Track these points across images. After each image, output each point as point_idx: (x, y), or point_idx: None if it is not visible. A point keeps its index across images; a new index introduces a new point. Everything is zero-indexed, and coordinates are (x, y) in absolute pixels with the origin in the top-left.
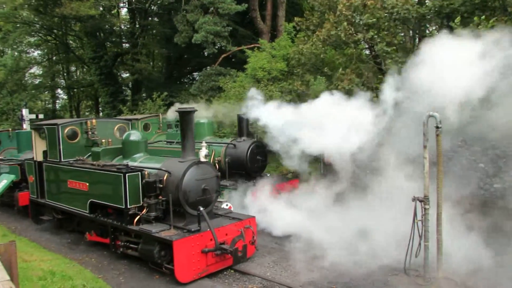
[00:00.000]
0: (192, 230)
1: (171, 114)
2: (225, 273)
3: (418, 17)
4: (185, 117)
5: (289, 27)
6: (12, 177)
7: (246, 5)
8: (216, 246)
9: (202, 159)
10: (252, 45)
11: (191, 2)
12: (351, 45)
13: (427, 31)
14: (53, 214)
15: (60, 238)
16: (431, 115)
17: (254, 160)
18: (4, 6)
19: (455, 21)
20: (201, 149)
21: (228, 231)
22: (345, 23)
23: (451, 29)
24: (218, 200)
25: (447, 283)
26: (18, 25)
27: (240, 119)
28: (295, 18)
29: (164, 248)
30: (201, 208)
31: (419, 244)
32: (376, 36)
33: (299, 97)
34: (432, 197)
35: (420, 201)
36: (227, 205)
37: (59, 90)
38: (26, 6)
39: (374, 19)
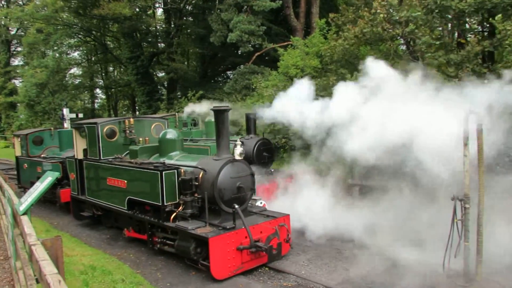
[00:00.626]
0: (227, 227)
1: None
2: (259, 270)
3: (457, 11)
4: (220, 115)
5: (321, 23)
6: (56, 174)
7: (281, 1)
8: (251, 243)
9: (237, 157)
10: (286, 43)
11: (225, 1)
12: (388, 40)
13: (467, 26)
14: (93, 211)
15: (100, 234)
16: (472, 112)
17: (261, 157)
18: (45, 8)
19: (496, 18)
20: (235, 146)
21: (263, 229)
22: (382, 16)
23: (491, 26)
24: (253, 198)
25: (488, 284)
26: (58, 27)
27: (248, 118)
28: (330, 14)
29: (200, 245)
30: (236, 206)
31: (458, 244)
32: (416, 30)
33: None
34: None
35: (460, 200)
36: (261, 203)
37: (97, 90)
38: (66, 8)
39: (414, 13)
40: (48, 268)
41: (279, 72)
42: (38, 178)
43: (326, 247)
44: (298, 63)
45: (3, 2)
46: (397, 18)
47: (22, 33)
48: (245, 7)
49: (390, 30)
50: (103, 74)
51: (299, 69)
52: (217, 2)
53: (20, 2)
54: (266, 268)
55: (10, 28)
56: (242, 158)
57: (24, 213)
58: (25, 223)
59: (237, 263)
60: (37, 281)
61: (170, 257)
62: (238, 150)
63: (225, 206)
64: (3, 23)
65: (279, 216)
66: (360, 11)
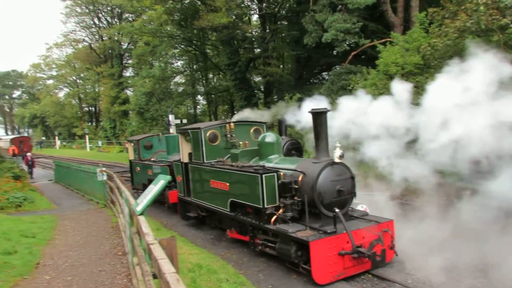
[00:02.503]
0: (328, 231)
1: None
2: (362, 277)
3: None
4: (318, 117)
5: (421, 16)
6: (168, 178)
7: None
8: (353, 249)
9: (337, 160)
10: (384, 40)
11: (319, 2)
12: (496, 31)
13: None
14: (197, 211)
15: (204, 234)
16: None
17: (289, 154)
18: (152, 23)
19: None
20: (335, 149)
21: (365, 234)
22: (482, 7)
23: None
24: (353, 201)
25: None
26: (163, 39)
27: (280, 121)
28: (429, 10)
29: (300, 248)
30: (337, 210)
31: None
32: None
33: None
34: None
35: None
36: (362, 207)
37: (199, 96)
38: (170, 21)
39: None
40: (167, 267)
41: (378, 70)
42: (149, 180)
43: (434, 256)
44: (398, 60)
45: (115, 20)
46: (508, 3)
47: (132, 47)
48: (340, 6)
49: (500, 18)
50: (204, 81)
51: (400, 67)
52: (311, 3)
53: (130, 18)
54: (369, 275)
55: (122, 43)
56: (341, 160)
57: (141, 214)
58: (142, 223)
59: (339, 269)
60: (154, 277)
61: (271, 259)
62: (338, 152)
63: (325, 209)
64: (116, 38)
65: (383, 221)
66: (463, 3)
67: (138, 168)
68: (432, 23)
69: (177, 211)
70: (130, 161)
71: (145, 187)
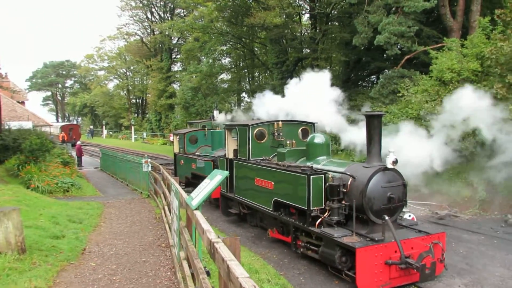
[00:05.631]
0: (376, 239)
1: None
2: None
3: None
4: (372, 121)
5: (484, 21)
6: (225, 173)
7: (436, 1)
8: (402, 259)
9: (389, 166)
10: (439, 45)
11: (373, 3)
12: None
13: None
14: (239, 208)
15: (245, 231)
16: None
17: None
18: (202, 19)
19: None
20: (388, 154)
21: (414, 245)
22: None
23: None
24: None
25: None
26: (212, 36)
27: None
28: (496, 11)
29: (345, 254)
30: (386, 217)
31: None
32: None
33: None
34: None
35: None
36: (409, 215)
37: (243, 94)
38: (220, 18)
39: None
40: (239, 270)
41: (432, 76)
42: (192, 174)
43: (487, 272)
44: (454, 66)
45: (168, 15)
46: None
47: (182, 42)
48: (393, 8)
49: None
50: (250, 79)
51: (455, 73)
52: (365, 4)
53: (182, 14)
54: None
55: (172, 38)
56: (394, 166)
57: (196, 208)
58: (200, 218)
59: (384, 278)
60: (207, 274)
61: (312, 262)
62: (391, 158)
63: (374, 216)
64: (167, 33)
65: (434, 232)
66: None
67: (182, 161)
68: (495, 29)
69: (219, 206)
70: (175, 154)
71: (188, 180)
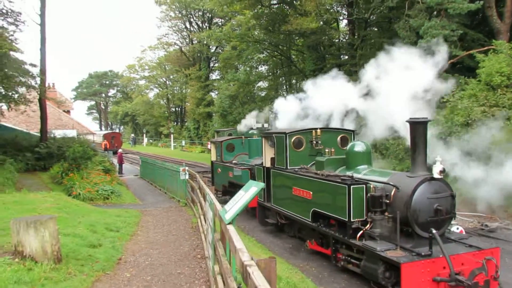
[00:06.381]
0: (422, 254)
1: None
2: None
3: None
4: (417, 128)
5: None
6: (261, 185)
7: (482, 2)
8: (452, 276)
9: (436, 176)
10: (485, 48)
11: (415, 7)
12: None
13: None
14: (277, 218)
15: (282, 242)
16: None
17: None
18: (240, 27)
19: None
20: (435, 163)
21: (465, 261)
22: None
23: None
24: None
25: None
26: (250, 44)
27: None
28: None
29: (389, 269)
30: (434, 231)
31: None
32: None
33: None
34: None
35: None
36: (457, 228)
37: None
38: (257, 26)
39: None
40: None
41: (479, 80)
42: (229, 182)
43: None
44: (503, 69)
45: (206, 24)
46: None
47: (220, 51)
48: (435, 11)
49: None
50: (287, 87)
51: (505, 76)
52: (406, 8)
53: (219, 23)
54: None
55: (210, 46)
56: (442, 176)
57: (230, 223)
58: (234, 235)
59: None
60: None
61: (353, 276)
62: (438, 167)
63: (420, 229)
64: (205, 42)
65: (486, 247)
66: None
67: (219, 170)
68: None
69: (256, 215)
70: (212, 162)
71: (225, 188)
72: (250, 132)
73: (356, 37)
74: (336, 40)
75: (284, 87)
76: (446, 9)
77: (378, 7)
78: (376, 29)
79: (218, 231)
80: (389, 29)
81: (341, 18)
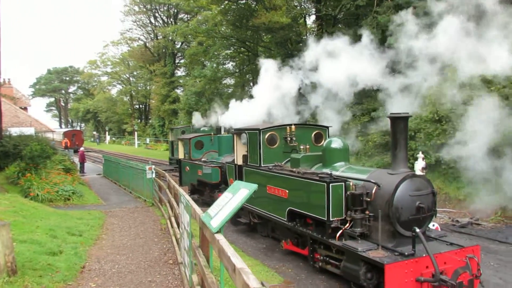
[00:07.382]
0: (406, 253)
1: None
2: None
3: None
4: (398, 123)
5: None
6: (254, 186)
7: None
8: (436, 276)
9: (418, 172)
10: None
11: (383, 4)
12: None
13: None
14: (249, 218)
15: (256, 242)
16: None
17: None
18: (206, 23)
19: None
20: (417, 160)
21: (447, 259)
22: None
23: None
24: None
25: None
26: (216, 40)
27: None
28: None
29: (371, 270)
30: (417, 229)
31: None
32: None
33: None
34: None
35: None
36: (433, 225)
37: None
38: (224, 22)
39: None
40: None
41: None
42: (198, 180)
43: None
44: None
45: (171, 19)
46: None
47: (186, 46)
48: (406, 8)
49: None
50: (253, 84)
51: None
52: (374, 5)
53: (185, 18)
54: None
55: (176, 42)
56: (424, 173)
57: (218, 231)
58: (227, 248)
59: None
60: None
61: (332, 277)
62: (420, 164)
63: (402, 228)
64: (170, 38)
65: (467, 245)
66: None
67: (188, 168)
68: None
69: None
70: (180, 160)
71: (193, 187)
72: (201, 129)
73: (324, 33)
74: (304, 37)
75: (251, 84)
76: (415, 7)
77: (347, 3)
78: (342, 26)
79: (195, 235)
80: (356, 25)
81: (309, 14)
